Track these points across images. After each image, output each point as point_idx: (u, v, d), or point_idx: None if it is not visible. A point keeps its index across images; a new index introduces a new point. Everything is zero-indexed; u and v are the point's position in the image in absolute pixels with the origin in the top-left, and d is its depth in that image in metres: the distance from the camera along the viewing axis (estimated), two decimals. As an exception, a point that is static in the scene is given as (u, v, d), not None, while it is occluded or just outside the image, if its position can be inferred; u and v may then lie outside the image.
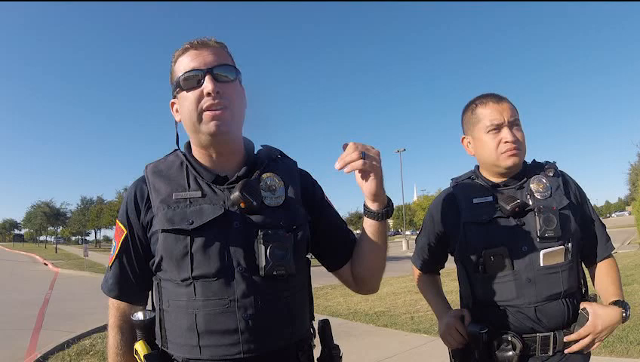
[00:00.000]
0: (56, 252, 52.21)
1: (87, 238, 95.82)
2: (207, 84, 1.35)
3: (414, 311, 8.94)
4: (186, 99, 1.38)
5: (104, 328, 8.06)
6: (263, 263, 1.30)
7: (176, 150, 1.55)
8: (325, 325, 1.58)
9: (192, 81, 1.37)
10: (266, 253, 1.30)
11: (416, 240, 2.28)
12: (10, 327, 8.57)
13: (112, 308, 1.52)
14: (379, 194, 1.41)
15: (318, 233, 1.54)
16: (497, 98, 1.92)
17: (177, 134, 1.54)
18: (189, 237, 1.34)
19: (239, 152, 1.51)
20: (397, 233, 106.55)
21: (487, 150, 1.91)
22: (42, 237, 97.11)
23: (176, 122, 1.51)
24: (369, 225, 1.48)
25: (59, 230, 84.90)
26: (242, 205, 1.35)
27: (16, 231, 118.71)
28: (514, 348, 1.73)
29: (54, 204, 73.88)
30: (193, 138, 1.45)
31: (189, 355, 1.33)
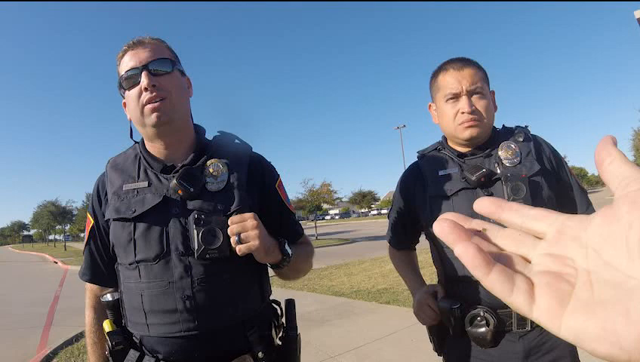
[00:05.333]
0: (65, 249, 52.32)
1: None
2: (143, 80, 1.43)
3: (416, 287, 8.97)
4: (130, 97, 1.48)
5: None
6: (196, 246, 1.37)
7: (135, 143, 1.64)
8: (290, 305, 1.66)
9: (131, 79, 1.46)
10: (198, 236, 1.36)
11: (387, 216, 2.22)
12: (22, 326, 8.69)
13: (87, 291, 1.67)
14: (266, 260, 1.46)
15: (263, 221, 1.50)
16: (460, 64, 1.81)
17: (131, 129, 1.61)
18: (132, 225, 1.45)
19: (188, 140, 1.58)
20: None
21: (446, 120, 1.84)
22: (51, 236, 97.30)
23: (129, 119, 1.57)
24: (277, 273, 1.59)
25: (67, 228, 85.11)
26: (180, 192, 1.44)
27: (25, 233, 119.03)
28: (487, 324, 1.66)
29: (60, 202, 73.74)
30: (142, 132, 1.54)
31: (141, 332, 1.45)
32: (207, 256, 1.37)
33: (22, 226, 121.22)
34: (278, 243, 1.48)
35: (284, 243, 1.50)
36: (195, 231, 1.37)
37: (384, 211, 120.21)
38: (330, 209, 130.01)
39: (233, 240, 1.36)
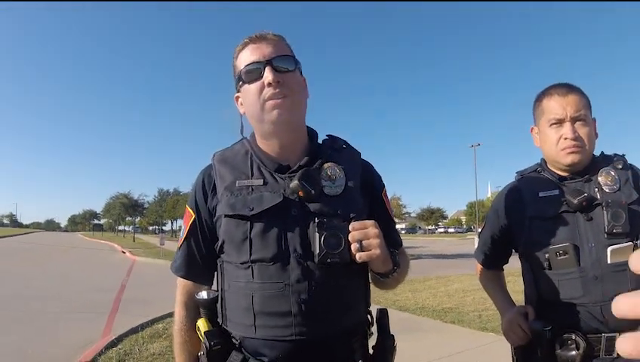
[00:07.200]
0: (134, 241, 54.34)
1: (164, 228, 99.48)
2: (268, 75, 1.39)
3: (483, 309, 8.71)
4: (249, 91, 1.44)
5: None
6: (317, 250, 1.32)
7: (242, 139, 1.60)
8: (383, 314, 1.58)
9: (253, 73, 1.42)
10: (320, 240, 1.32)
11: (479, 234, 2.23)
12: (88, 311, 9.03)
13: (179, 286, 1.62)
14: (381, 270, 1.43)
15: None
16: (565, 90, 1.85)
17: (242, 125, 1.59)
18: (248, 223, 1.40)
19: (302, 142, 1.54)
20: (469, 230, 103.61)
21: (548, 144, 1.88)
22: (120, 227, 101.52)
23: (240, 114, 1.56)
24: (380, 282, 1.52)
25: (136, 220, 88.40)
26: (300, 194, 1.40)
27: (96, 221, 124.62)
28: (577, 348, 1.66)
29: (132, 195, 76.84)
30: (257, 128, 1.50)
31: (244, 334, 1.39)
32: (328, 260, 1.33)
33: (93, 215, 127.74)
34: (390, 253, 1.44)
35: (395, 254, 1.47)
36: (318, 235, 1.34)
37: (451, 230, 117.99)
38: (397, 223, 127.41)
39: (354, 246, 1.32)
